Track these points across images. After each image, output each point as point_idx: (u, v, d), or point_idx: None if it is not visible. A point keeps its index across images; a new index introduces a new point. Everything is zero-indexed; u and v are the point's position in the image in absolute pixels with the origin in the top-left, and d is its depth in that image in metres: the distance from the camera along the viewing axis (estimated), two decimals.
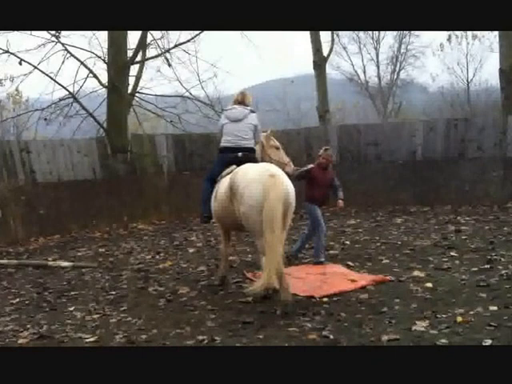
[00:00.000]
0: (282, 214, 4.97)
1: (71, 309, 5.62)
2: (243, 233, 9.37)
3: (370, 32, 33.71)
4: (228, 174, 5.73)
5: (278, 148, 6.67)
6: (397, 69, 34.36)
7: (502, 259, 6.50)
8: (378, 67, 34.89)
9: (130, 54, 12.04)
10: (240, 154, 5.95)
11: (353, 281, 5.91)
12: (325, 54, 16.14)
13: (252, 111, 6.16)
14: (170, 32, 13.12)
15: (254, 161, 5.90)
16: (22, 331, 4.97)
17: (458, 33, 30.46)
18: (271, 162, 6.10)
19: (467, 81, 31.38)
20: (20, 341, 4.72)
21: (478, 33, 29.65)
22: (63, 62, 12.12)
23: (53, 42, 11.87)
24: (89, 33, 12.45)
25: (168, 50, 13.01)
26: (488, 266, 6.20)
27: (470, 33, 30.29)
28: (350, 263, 6.72)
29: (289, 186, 5.25)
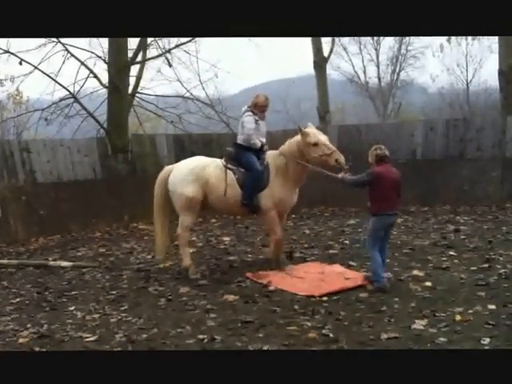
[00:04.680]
0: (159, 198, 6.75)
1: (72, 308, 5.64)
2: (243, 232, 9.42)
3: None
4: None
5: (315, 144, 6.26)
6: (397, 69, 34.31)
7: (501, 258, 6.53)
8: (378, 68, 34.86)
9: (130, 54, 12.03)
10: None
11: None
12: (325, 54, 16.18)
13: (246, 110, 6.62)
14: None
15: (226, 154, 6.67)
16: (22, 331, 5.00)
17: None
18: (309, 163, 6.39)
19: (467, 81, 31.35)
20: (20, 340, 4.75)
21: None
22: (63, 62, 12.12)
23: (53, 42, 11.89)
24: None
25: (168, 51, 13.00)
26: (487, 266, 6.23)
27: None
28: (350, 263, 6.74)
29: (172, 177, 6.58)
